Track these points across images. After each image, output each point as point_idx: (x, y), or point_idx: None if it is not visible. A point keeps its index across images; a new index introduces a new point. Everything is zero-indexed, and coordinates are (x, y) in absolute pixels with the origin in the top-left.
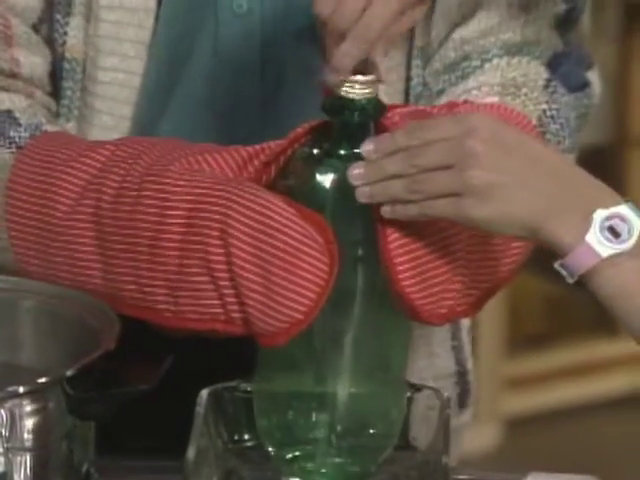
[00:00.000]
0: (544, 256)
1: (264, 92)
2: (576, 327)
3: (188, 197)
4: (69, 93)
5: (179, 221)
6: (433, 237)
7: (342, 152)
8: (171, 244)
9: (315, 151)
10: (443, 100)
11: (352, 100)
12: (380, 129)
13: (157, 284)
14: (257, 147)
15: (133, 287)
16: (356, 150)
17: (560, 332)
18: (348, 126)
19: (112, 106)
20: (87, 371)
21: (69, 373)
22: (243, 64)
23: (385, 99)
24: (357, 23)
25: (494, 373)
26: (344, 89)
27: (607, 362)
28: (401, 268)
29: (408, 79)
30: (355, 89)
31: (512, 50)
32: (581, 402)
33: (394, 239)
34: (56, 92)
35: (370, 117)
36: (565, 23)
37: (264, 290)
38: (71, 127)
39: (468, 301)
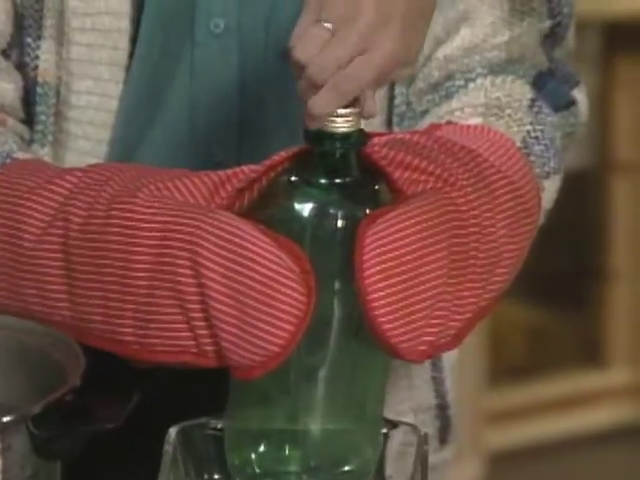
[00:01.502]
0: (526, 283)
1: (242, 115)
2: (560, 358)
3: (157, 225)
4: (43, 118)
5: (148, 250)
6: (412, 271)
7: (322, 181)
8: (140, 274)
9: (294, 179)
10: (427, 121)
11: (334, 133)
12: (362, 158)
13: (126, 315)
14: (229, 172)
15: (101, 318)
16: (337, 180)
17: (543, 363)
18: (329, 156)
19: (88, 130)
20: (53, 408)
21: (34, 411)
22: (221, 86)
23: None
24: (337, 74)
25: (475, 406)
26: (325, 123)
27: (592, 394)
28: (377, 304)
29: (391, 98)
30: (337, 123)
31: (496, 69)
32: (566, 436)
33: (371, 273)
34: (30, 118)
35: (352, 148)
36: (550, 40)
37: (238, 322)
38: (46, 153)
39: (449, 334)
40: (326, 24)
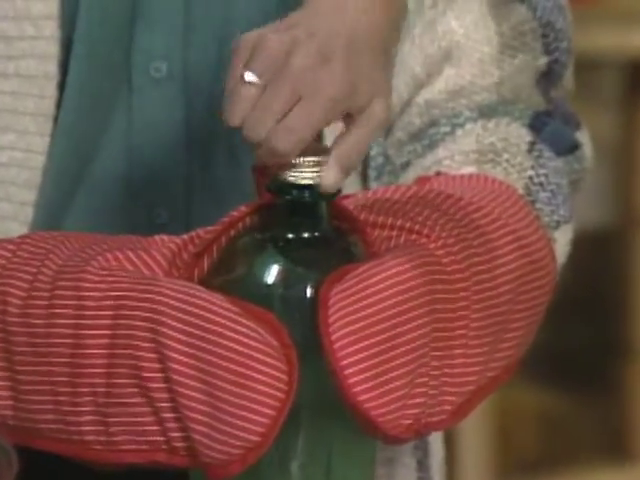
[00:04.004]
0: (538, 362)
1: (189, 171)
2: (579, 451)
3: (111, 302)
4: None
5: (102, 332)
6: (387, 331)
7: (290, 237)
8: (95, 360)
9: (257, 237)
10: (410, 174)
11: (300, 182)
12: (334, 209)
13: (83, 410)
14: (186, 237)
15: (52, 416)
16: (306, 235)
17: (559, 457)
18: (296, 207)
19: (10, 191)
20: None
21: None
22: (164, 138)
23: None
24: (275, 129)
25: None
26: (289, 174)
27: None
28: (349, 372)
29: None
30: (302, 173)
31: (487, 112)
32: None
33: (339, 337)
34: None
35: (321, 198)
36: (547, 79)
37: (211, 409)
38: None
39: (444, 410)
40: (254, 78)
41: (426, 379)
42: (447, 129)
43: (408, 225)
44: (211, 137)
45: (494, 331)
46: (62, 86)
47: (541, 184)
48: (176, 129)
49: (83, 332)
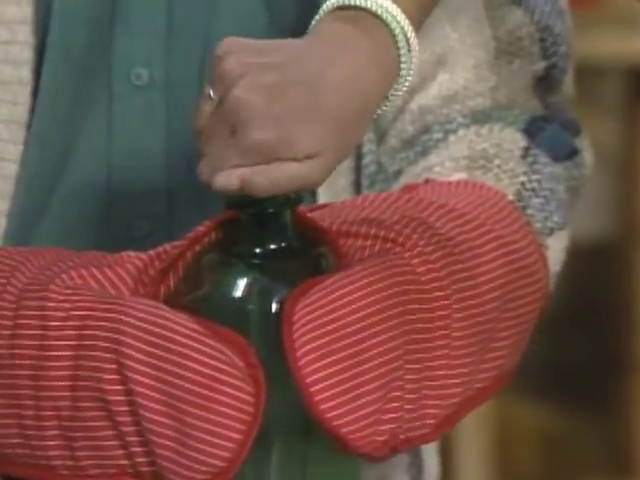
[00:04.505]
0: (538, 378)
1: (172, 179)
2: (579, 469)
3: (74, 322)
4: None
5: (66, 353)
6: (356, 345)
7: (257, 251)
8: (59, 382)
9: (223, 253)
10: (402, 182)
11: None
12: (302, 220)
13: (48, 434)
14: (152, 253)
15: (18, 440)
16: (272, 247)
17: (560, 475)
18: (259, 220)
19: None
20: None
21: None
22: (144, 147)
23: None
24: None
25: None
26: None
27: None
28: (315, 389)
29: (359, 156)
30: None
31: (480, 117)
32: None
33: (304, 352)
34: None
35: (283, 207)
36: (544, 84)
37: (176, 433)
38: None
39: (426, 423)
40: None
41: (401, 393)
42: (440, 135)
43: (383, 233)
44: (194, 144)
45: (480, 340)
46: (36, 93)
47: (533, 190)
48: (158, 136)
49: (46, 353)
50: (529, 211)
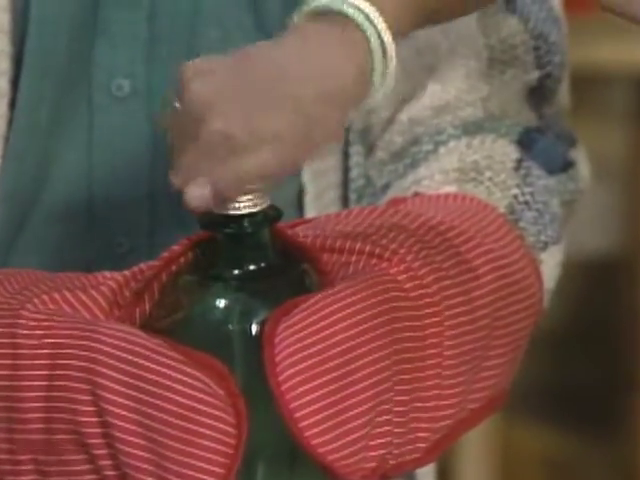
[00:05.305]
0: (544, 401)
1: (154, 196)
2: None
3: (47, 351)
4: None
5: (39, 383)
6: (340, 368)
7: (235, 272)
8: (33, 415)
9: (200, 274)
10: (389, 196)
11: (234, 215)
12: (282, 237)
13: (23, 469)
14: (127, 273)
15: None
16: (251, 267)
17: None
18: (236, 240)
19: None
20: None
21: None
22: (127, 160)
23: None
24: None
25: None
26: (225, 205)
27: None
28: (299, 415)
29: (346, 170)
30: (234, 203)
31: (472, 129)
32: None
33: (287, 376)
34: None
35: (261, 227)
36: (538, 95)
37: (155, 468)
38: None
39: (417, 448)
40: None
41: (390, 416)
42: (430, 147)
43: (368, 249)
44: None
45: (472, 358)
46: (14, 104)
47: (527, 203)
48: (139, 148)
49: (19, 384)
50: (521, 224)
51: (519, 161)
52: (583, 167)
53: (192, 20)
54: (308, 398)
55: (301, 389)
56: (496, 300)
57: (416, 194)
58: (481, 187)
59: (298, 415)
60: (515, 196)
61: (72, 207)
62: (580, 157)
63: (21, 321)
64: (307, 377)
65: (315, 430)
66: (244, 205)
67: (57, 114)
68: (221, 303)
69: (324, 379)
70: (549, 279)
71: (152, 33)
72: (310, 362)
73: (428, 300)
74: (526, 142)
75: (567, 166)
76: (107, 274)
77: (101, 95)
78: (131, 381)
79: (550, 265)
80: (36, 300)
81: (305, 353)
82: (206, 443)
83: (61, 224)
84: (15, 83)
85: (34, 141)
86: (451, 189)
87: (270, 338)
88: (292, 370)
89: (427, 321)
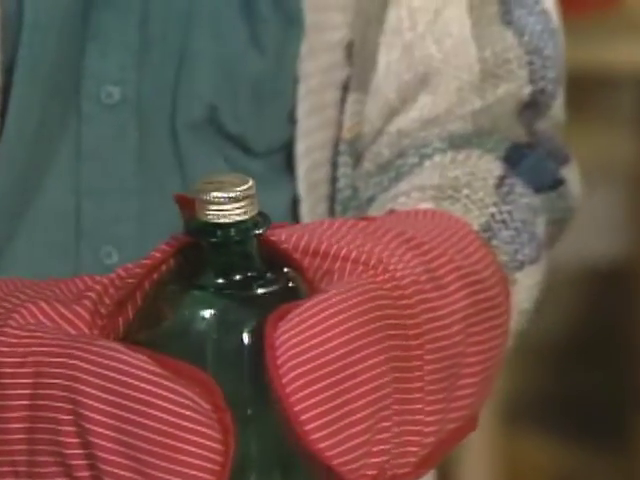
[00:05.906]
0: (549, 413)
1: (143, 206)
2: None
3: (30, 369)
4: None
5: (21, 402)
6: (343, 370)
7: (219, 281)
8: (16, 436)
9: (184, 284)
10: (373, 210)
11: (222, 223)
12: (267, 244)
13: None
14: (105, 280)
15: None
16: (237, 277)
17: None
18: (223, 249)
19: None
20: None
21: None
22: (116, 169)
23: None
24: None
25: None
26: (209, 214)
27: None
28: (305, 418)
29: (334, 180)
30: (222, 211)
31: (458, 142)
32: None
33: (291, 379)
34: None
35: (248, 236)
36: (531, 110)
37: None
38: None
39: (409, 462)
40: None
41: (389, 424)
42: (415, 160)
43: (354, 255)
44: (166, 166)
45: (449, 375)
46: (4, 114)
47: (504, 222)
48: (129, 158)
49: (1, 403)
50: (494, 242)
51: (502, 178)
52: (574, 185)
53: (184, 26)
54: (312, 401)
55: (305, 392)
56: (467, 317)
57: (391, 211)
58: (457, 205)
59: (303, 418)
60: (492, 215)
61: (60, 217)
62: (572, 175)
63: (3, 338)
64: (309, 380)
65: (320, 434)
66: (230, 213)
67: (45, 123)
68: (206, 313)
69: (325, 382)
70: (524, 299)
71: (143, 39)
72: (310, 365)
73: (410, 311)
74: (513, 158)
75: (557, 184)
76: (86, 279)
77: (90, 103)
78: (114, 399)
79: (526, 285)
80: (16, 315)
81: (305, 357)
82: (191, 460)
83: (50, 234)
84: (5, 92)
85: (22, 151)
86: (427, 206)
87: (270, 343)
88: (294, 373)
89: (411, 332)
